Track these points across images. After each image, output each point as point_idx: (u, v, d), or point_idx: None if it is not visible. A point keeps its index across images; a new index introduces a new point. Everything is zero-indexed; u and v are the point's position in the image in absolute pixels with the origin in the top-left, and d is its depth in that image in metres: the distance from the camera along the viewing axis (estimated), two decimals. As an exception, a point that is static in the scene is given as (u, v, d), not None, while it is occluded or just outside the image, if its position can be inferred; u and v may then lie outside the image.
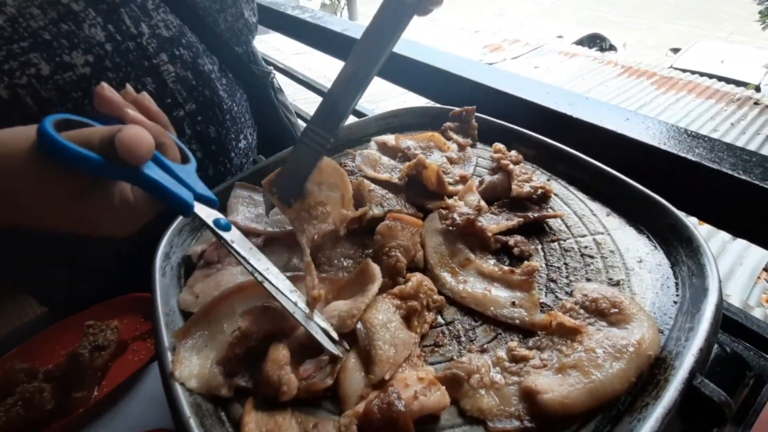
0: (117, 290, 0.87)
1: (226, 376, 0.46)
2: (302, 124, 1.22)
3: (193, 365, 0.46)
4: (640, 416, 0.38)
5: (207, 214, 0.49)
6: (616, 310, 0.47)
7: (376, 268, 0.52)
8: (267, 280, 0.48)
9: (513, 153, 0.69)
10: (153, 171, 0.45)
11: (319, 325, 0.47)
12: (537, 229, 0.62)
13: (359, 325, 0.48)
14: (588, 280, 0.54)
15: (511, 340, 0.49)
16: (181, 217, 0.65)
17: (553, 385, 0.41)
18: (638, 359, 0.42)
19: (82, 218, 0.46)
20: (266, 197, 0.71)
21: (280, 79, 1.20)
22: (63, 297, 0.94)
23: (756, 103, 5.36)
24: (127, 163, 0.42)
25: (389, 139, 0.76)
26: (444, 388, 0.43)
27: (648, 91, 5.77)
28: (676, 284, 0.51)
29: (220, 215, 0.50)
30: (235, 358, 0.46)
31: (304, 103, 2.66)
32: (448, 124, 0.81)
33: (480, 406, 0.42)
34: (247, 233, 0.62)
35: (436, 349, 0.49)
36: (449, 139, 0.77)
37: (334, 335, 0.47)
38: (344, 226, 0.56)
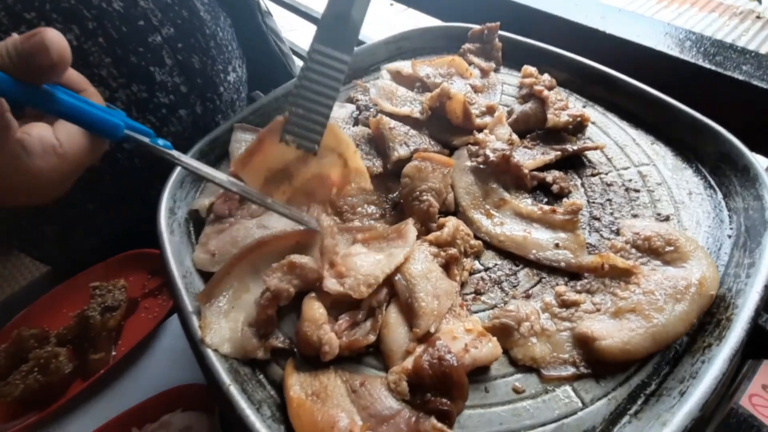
0: (116, 246, 0.82)
1: (261, 338, 0.43)
2: (296, 58, 1.10)
3: (223, 329, 0.43)
4: (704, 357, 0.37)
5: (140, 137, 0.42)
6: (672, 248, 0.44)
7: (412, 234, 0.47)
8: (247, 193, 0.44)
9: (546, 77, 0.62)
10: (71, 96, 0.37)
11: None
12: (575, 163, 0.57)
13: (398, 277, 0.44)
14: (634, 216, 0.50)
15: (557, 284, 0.46)
16: (179, 169, 0.58)
17: (612, 331, 0.39)
18: (700, 300, 0.39)
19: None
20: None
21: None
22: (57, 253, 0.89)
23: (758, 17, 5.13)
24: (37, 75, 0.34)
25: (403, 66, 0.67)
26: (495, 339, 0.41)
27: (650, 5, 5.43)
28: (730, 217, 0.48)
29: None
30: (267, 319, 0.43)
31: (290, 31, 2.39)
32: (467, 45, 0.71)
33: (532, 354, 0.40)
34: (257, 182, 0.56)
35: (477, 297, 0.47)
36: (470, 63, 0.69)
37: None
38: (364, 185, 0.50)
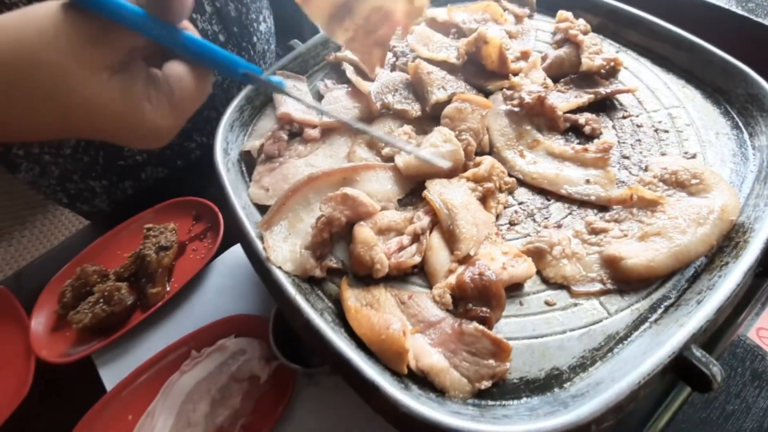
0: (153, 198, 0.87)
1: (317, 259, 0.48)
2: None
3: (284, 251, 0.48)
4: (721, 273, 0.41)
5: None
6: (697, 180, 0.47)
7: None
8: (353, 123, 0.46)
9: (581, 21, 0.63)
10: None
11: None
12: (606, 106, 0.59)
13: (440, 206, 0.49)
14: (662, 154, 0.53)
15: (587, 216, 0.50)
16: (229, 112, 0.62)
17: (637, 251, 0.43)
18: (721, 224, 0.43)
19: (123, 109, 0.36)
20: (312, 86, 0.66)
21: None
22: (105, 206, 0.95)
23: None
24: (170, 15, 0.35)
25: (439, 13, 0.68)
26: (530, 259, 0.45)
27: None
28: (754, 155, 0.50)
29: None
30: (323, 242, 0.48)
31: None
32: (500, -9, 0.72)
33: (563, 273, 0.45)
34: (302, 125, 0.60)
35: (512, 227, 0.51)
36: (504, 9, 0.69)
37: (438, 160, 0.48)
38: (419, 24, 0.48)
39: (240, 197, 0.54)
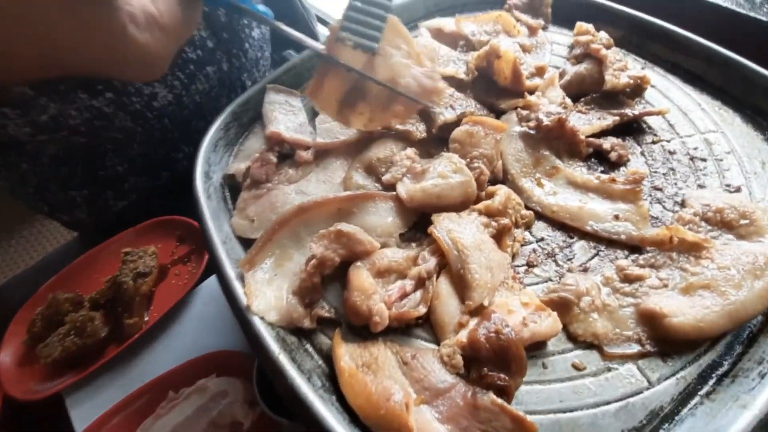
0: (142, 212, 0.82)
1: (306, 307, 0.41)
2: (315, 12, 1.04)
3: (268, 297, 0.42)
4: (784, 338, 0.35)
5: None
6: (747, 221, 0.41)
7: None
8: None
9: (603, 34, 0.57)
10: None
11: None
12: (633, 129, 0.53)
13: (449, 246, 0.42)
14: (701, 186, 0.47)
15: (617, 258, 0.43)
16: (213, 130, 0.56)
17: (683, 308, 0.37)
18: (781, 276, 0.37)
19: (108, 32, 0.36)
20: (306, 102, 0.60)
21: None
22: (86, 218, 0.89)
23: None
24: None
25: (445, 23, 0.62)
26: (555, 313, 0.39)
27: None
28: (808, 188, 0.44)
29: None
30: (313, 287, 0.41)
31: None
32: (512, 1, 0.66)
33: (594, 330, 0.38)
34: (294, 146, 0.54)
35: (530, 269, 0.44)
36: (517, 20, 0.63)
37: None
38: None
39: (221, 229, 0.48)
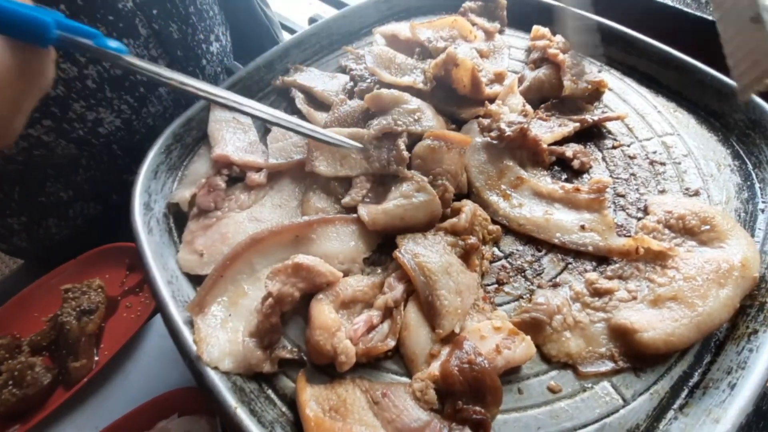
0: (90, 237, 0.75)
1: (265, 349, 0.38)
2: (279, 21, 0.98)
3: (221, 342, 0.38)
4: (751, 345, 0.35)
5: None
6: (708, 227, 0.41)
7: None
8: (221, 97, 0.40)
9: (559, 38, 0.56)
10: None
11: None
12: (593, 134, 0.52)
13: (416, 272, 0.40)
14: (661, 191, 0.47)
15: (585, 270, 0.43)
16: (152, 156, 0.51)
17: (653, 322, 0.36)
18: (744, 283, 0.37)
19: None
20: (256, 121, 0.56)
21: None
22: (26, 245, 0.81)
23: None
24: None
25: (400, 29, 0.60)
26: (528, 337, 0.37)
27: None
28: (762, 189, 0.45)
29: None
30: (271, 327, 0.38)
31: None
32: (468, 3, 0.64)
33: (567, 350, 0.37)
34: (243, 169, 0.50)
35: (500, 287, 0.43)
36: (472, 24, 0.62)
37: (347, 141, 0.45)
38: None
39: (165, 268, 0.43)
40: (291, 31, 1.05)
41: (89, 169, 0.72)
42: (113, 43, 0.34)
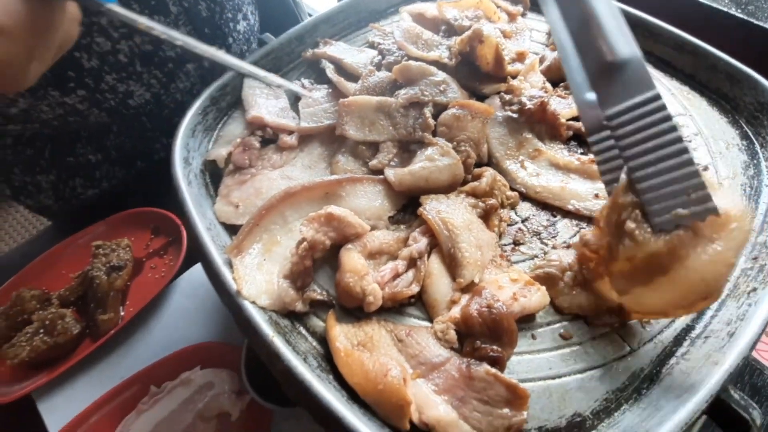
0: (116, 202, 0.78)
1: (298, 290, 0.41)
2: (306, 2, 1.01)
3: (258, 282, 0.41)
4: (750, 300, 0.37)
5: None
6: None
7: None
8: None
9: (580, 22, 0.59)
10: None
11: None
12: (608, 113, 0.55)
13: (440, 226, 0.43)
14: (672, 166, 0.49)
15: (597, 234, 0.45)
16: (190, 115, 0.54)
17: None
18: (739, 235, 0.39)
19: None
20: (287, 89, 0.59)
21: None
22: (53, 204, 0.84)
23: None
24: None
25: (426, 8, 0.62)
26: (544, 287, 0.40)
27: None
28: (767, 167, 0.48)
29: None
30: (305, 270, 0.41)
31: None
32: (492, -13, 0.67)
33: (579, 303, 0.40)
34: (276, 131, 0.53)
35: (516, 248, 0.46)
36: (497, 6, 0.64)
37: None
38: None
39: (204, 216, 0.46)
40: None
41: (119, 135, 0.75)
42: None
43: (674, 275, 0.33)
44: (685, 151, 0.32)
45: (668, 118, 0.33)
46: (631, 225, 0.33)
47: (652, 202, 0.33)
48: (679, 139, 0.32)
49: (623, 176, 0.34)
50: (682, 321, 0.39)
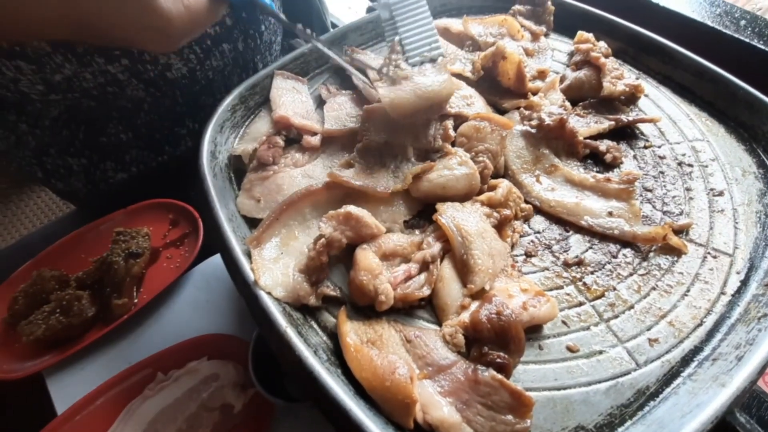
0: (139, 190, 0.80)
1: (312, 285, 0.42)
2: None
3: (275, 274, 0.42)
4: (760, 326, 0.37)
5: None
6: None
7: None
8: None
9: (602, 44, 0.60)
10: None
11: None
12: (626, 134, 0.56)
13: (454, 232, 0.44)
14: (687, 189, 0.50)
15: (609, 252, 0.46)
16: (220, 111, 0.56)
17: (670, 296, 0.39)
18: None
19: None
20: (313, 90, 0.61)
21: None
22: (82, 187, 0.87)
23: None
24: None
25: (453, 23, 0.64)
26: (553, 299, 0.41)
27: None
28: (784, 196, 0.48)
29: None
30: (320, 266, 0.42)
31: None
32: (517, 7, 0.69)
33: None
34: (301, 131, 0.55)
35: (528, 259, 0.46)
36: (521, 26, 0.66)
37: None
38: None
39: (226, 207, 0.48)
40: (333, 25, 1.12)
41: (150, 113, 0.77)
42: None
43: None
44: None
45: None
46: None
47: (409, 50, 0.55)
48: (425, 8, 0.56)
49: (396, 38, 0.57)
50: (691, 342, 0.39)
